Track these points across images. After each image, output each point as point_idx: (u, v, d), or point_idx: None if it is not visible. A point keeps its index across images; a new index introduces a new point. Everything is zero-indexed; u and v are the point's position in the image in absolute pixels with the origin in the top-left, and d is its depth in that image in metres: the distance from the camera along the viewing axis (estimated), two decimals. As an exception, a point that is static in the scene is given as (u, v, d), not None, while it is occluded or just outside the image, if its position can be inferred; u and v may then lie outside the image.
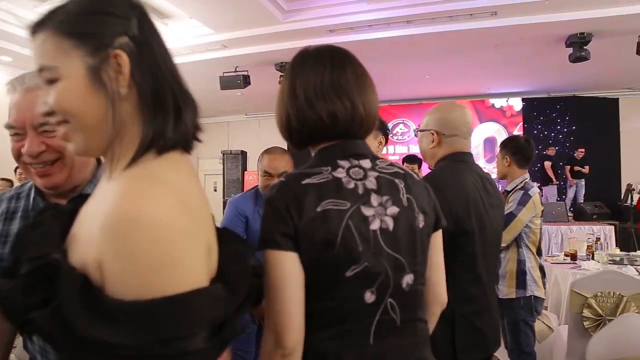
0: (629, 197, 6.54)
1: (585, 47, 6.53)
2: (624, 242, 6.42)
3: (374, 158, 0.96)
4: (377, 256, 0.87)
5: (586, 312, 2.02)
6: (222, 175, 9.24)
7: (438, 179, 1.53)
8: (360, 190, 0.89)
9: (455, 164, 1.61)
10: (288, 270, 0.85)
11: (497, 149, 2.85)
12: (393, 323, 0.88)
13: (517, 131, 10.36)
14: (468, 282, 1.48)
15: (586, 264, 2.86)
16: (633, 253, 3.62)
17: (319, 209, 0.86)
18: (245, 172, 9.03)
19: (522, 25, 6.29)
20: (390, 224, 0.89)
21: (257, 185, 2.28)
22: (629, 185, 6.77)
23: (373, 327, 0.87)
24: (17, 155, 1.00)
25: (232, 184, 8.89)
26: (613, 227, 6.35)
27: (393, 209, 0.90)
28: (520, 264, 2.47)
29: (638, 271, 2.56)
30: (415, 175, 0.98)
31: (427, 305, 1.00)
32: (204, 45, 7.31)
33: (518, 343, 2.40)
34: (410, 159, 4.40)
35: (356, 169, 0.92)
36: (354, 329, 0.87)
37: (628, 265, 2.90)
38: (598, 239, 3.37)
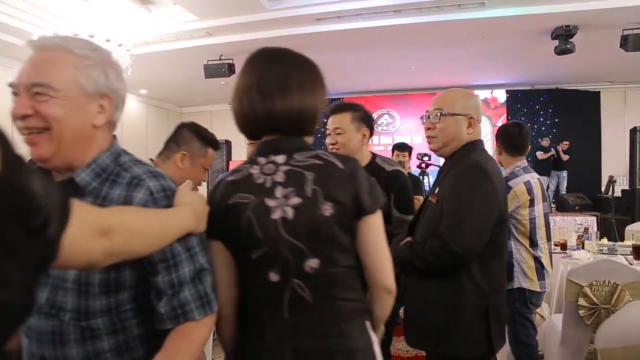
0: (611, 189, 6.65)
1: (570, 40, 6.58)
2: (605, 233, 6.52)
3: (295, 151, 1.05)
4: (277, 242, 1.00)
5: (581, 301, 2.03)
6: (205, 166, 9.12)
7: (486, 167, 1.53)
8: (268, 184, 1.02)
9: (485, 152, 1.63)
10: (215, 253, 1.06)
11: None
12: (304, 300, 1.00)
13: (501, 123, 10.45)
14: (499, 273, 1.56)
15: (577, 253, 2.88)
16: (620, 243, 3.68)
17: (230, 202, 1.04)
18: (230, 161, 8.95)
19: (509, 16, 6.30)
20: (290, 213, 0.99)
21: None
22: (611, 177, 6.89)
23: (285, 302, 1.01)
24: (13, 120, 0.95)
25: (216, 173, 8.80)
26: (595, 218, 6.46)
27: (295, 200, 1.00)
28: (508, 256, 2.34)
29: (628, 260, 2.58)
30: (338, 166, 1.03)
31: (370, 288, 1.08)
32: (187, 33, 7.14)
33: (516, 335, 2.39)
34: (401, 147, 4.34)
35: (270, 165, 1.04)
36: (269, 303, 1.02)
37: (618, 255, 2.93)
38: (587, 229, 3.40)
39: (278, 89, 1.04)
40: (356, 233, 1.04)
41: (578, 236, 3.13)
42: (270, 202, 1.01)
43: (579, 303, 2.03)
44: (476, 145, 1.62)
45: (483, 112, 7.07)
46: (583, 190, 9.17)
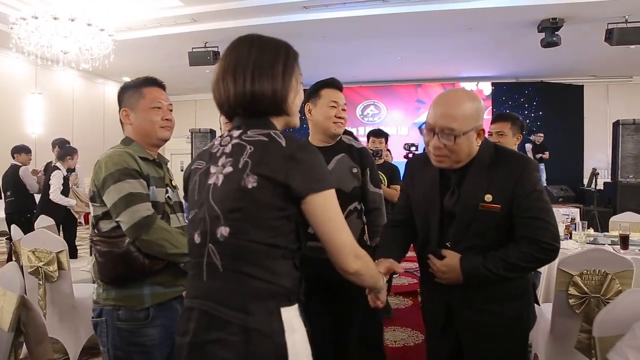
0: (593, 181, 6.73)
1: (556, 33, 6.63)
2: (588, 224, 6.61)
3: (252, 128, 1.09)
4: (203, 205, 1.08)
5: (572, 290, 2.03)
6: (190, 155, 8.99)
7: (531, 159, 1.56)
8: (218, 154, 1.10)
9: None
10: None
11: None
12: (216, 267, 1.04)
13: (486, 115, 10.52)
14: None
15: (565, 243, 2.90)
16: (607, 233, 3.71)
17: (192, 166, 1.18)
18: (214, 152, 8.82)
19: (497, 7, 6.31)
20: (220, 180, 1.06)
21: None
22: (594, 169, 6.96)
23: (204, 266, 1.06)
24: None
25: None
26: (578, 209, 6.53)
27: (228, 169, 1.05)
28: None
29: (615, 250, 2.60)
30: (281, 144, 1.04)
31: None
32: (172, 19, 7.01)
33: None
34: (377, 133, 4.17)
35: (227, 137, 1.12)
36: (194, 264, 1.10)
37: (606, 245, 2.96)
38: (573, 220, 3.42)
39: (233, 73, 1.09)
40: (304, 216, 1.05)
41: (566, 226, 3.15)
42: (212, 169, 1.09)
43: (569, 292, 2.03)
44: (490, 143, 1.51)
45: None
46: (566, 182, 9.29)
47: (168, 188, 1.64)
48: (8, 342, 1.81)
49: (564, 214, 3.69)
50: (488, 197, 1.41)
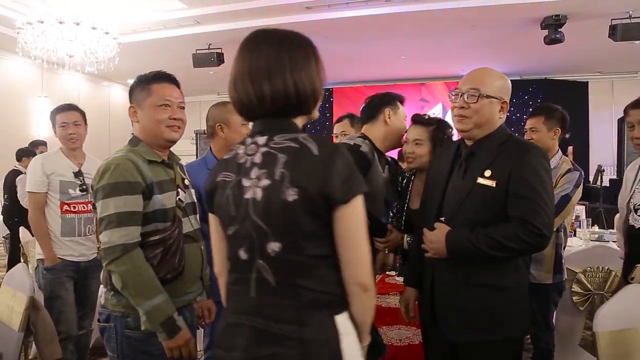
0: (599, 178, 6.71)
1: (559, 30, 6.60)
2: (594, 221, 6.59)
3: (277, 133, 1.05)
4: (245, 221, 1.04)
5: (575, 287, 2.03)
6: (195, 156, 9.04)
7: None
8: (248, 164, 1.06)
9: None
10: (211, 225, 1.17)
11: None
12: (268, 282, 1.02)
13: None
14: None
15: (570, 241, 2.90)
16: (612, 230, 3.71)
17: (217, 179, 1.11)
18: (219, 152, 8.85)
19: (499, 5, 6.29)
20: (259, 194, 1.01)
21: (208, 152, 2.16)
22: (599, 166, 6.95)
23: (252, 282, 1.04)
24: None
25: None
26: (584, 207, 6.51)
27: (265, 182, 1.02)
28: (558, 247, 2.20)
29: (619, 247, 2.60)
30: (312, 151, 1.00)
31: (345, 285, 1.04)
32: (176, 21, 7.04)
33: (547, 323, 2.28)
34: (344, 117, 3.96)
35: (252, 145, 1.07)
36: (240, 279, 1.07)
37: (610, 242, 2.96)
38: (578, 217, 3.42)
39: (267, 73, 1.04)
40: (333, 223, 1.01)
41: (571, 224, 3.16)
42: (245, 182, 1.05)
43: (572, 289, 2.04)
44: (507, 130, 1.58)
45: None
46: (571, 180, 9.23)
47: (179, 189, 1.56)
48: (18, 341, 1.85)
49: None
50: (487, 172, 1.45)
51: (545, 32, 6.71)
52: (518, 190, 1.41)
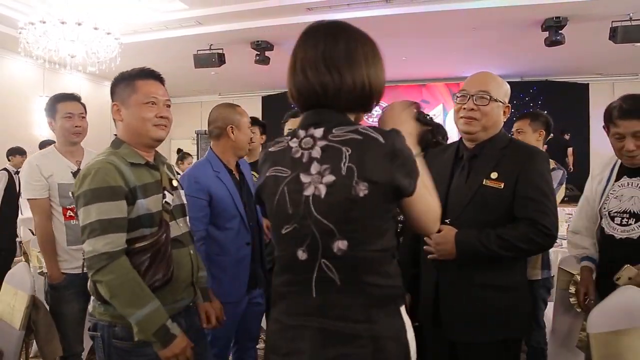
0: (599, 180, 6.73)
1: (560, 31, 6.61)
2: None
3: (335, 126, 1.00)
4: (306, 219, 0.98)
5: (572, 289, 2.04)
6: (196, 156, 9.06)
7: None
8: (305, 159, 1.00)
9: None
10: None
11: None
12: (333, 282, 0.98)
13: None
14: None
15: (562, 242, 2.91)
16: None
17: (268, 174, 1.06)
18: (220, 153, 8.86)
19: (500, 7, 6.30)
20: (323, 191, 0.97)
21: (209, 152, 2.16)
22: (599, 168, 6.95)
23: (313, 282, 0.99)
24: None
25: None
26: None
27: (329, 177, 0.96)
28: None
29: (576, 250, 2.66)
30: (379, 140, 0.96)
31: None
32: (177, 22, 7.06)
33: (537, 322, 2.40)
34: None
35: (308, 138, 1.01)
36: (297, 280, 1.02)
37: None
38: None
39: (347, 63, 1.01)
40: (399, 207, 1.03)
41: (568, 226, 3.16)
42: (304, 178, 0.99)
43: (570, 291, 2.05)
44: (507, 133, 1.64)
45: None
46: (571, 181, 9.25)
47: (166, 192, 1.49)
48: (19, 339, 1.87)
49: (567, 214, 3.69)
50: (494, 174, 1.49)
51: (546, 34, 6.72)
52: (527, 193, 1.45)
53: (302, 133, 1.04)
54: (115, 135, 1.54)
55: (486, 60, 9.31)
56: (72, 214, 2.21)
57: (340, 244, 0.97)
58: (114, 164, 1.38)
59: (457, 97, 1.60)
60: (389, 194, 0.97)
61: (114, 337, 1.38)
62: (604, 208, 1.76)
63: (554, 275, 2.40)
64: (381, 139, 0.97)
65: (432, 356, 1.68)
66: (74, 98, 2.37)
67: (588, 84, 10.30)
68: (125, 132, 1.50)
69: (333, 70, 1.00)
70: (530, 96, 10.50)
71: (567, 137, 9.15)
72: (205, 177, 2.01)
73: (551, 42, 6.70)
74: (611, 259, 1.68)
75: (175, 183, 1.58)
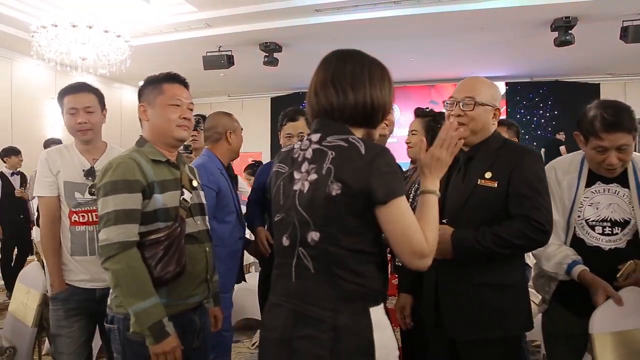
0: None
1: (570, 31, 6.57)
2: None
3: (331, 134, 1.13)
4: (290, 210, 1.13)
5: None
6: (205, 158, 9.10)
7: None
8: (300, 159, 1.15)
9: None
10: None
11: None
12: (307, 269, 1.10)
13: (501, 115, 10.43)
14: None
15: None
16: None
17: (274, 169, 1.24)
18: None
19: (509, 8, 6.28)
20: (306, 187, 1.10)
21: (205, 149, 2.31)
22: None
23: (293, 267, 1.12)
24: None
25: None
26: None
27: (313, 176, 1.10)
28: None
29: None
30: (360, 151, 1.06)
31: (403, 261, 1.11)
32: (186, 24, 7.12)
33: None
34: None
35: (306, 141, 1.17)
36: (282, 265, 1.16)
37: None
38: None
39: (352, 83, 1.14)
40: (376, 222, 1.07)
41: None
42: (296, 175, 1.14)
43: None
44: (501, 135, 1.66)
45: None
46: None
47: (184, 190, 1.55)
48: (32, 336, 1.90)
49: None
50: (488, 174, 1.52)
51: (555, 34, 6.68)
52: (520, 190, 1.47)
53: (305, 137, 1.19)
54: (141, 136, 1.62)
55: (495, 61, 9.28)
56: (78, 218, 1.92)
57: (314, 235, 1.09)
58: (135, 159, 1.47)
59: (447, 103, 1.65)
60: (359, 198, 1.05)
61: (128, 329, 1.42)
62: (578, 217, 1.64)
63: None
64: (363, 150, 1.07)
65: (433, 355, 1.70)
66: (79, 89, 2.01)
67: (599, 84, 10.19)
68: (150, 131, 1.58)
69: (339, 89, 1.14)
70: (540, 97, 10.42)
71: (559, 136, 9.11)
72: (215, 170, 2.12)
73: (560, 43, 6.66)
74: (600, 272, 1.56)
75: (195, 183, 1.65)
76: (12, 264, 5.13)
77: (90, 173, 1.95)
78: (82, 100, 1.98)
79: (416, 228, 1.06)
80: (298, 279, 1.12)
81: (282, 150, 1.28)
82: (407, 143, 2.29)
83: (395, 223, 1.05)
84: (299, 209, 1.11)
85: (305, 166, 1.13)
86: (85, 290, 1.90)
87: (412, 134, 2.26)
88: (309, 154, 1.14)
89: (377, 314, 1.09)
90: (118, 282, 1.38)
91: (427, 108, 2.29)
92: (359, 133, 1.16)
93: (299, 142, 1.20)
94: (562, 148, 8.85)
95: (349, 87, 1.14)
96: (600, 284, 1.51)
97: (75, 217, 1.92)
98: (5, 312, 3.24)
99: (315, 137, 1.15)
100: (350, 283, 1.07)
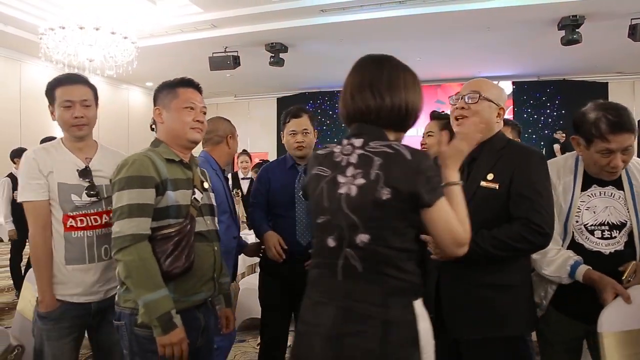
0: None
1: (577, 30, 6.53)
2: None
3: (373, 139, 1.18)
4: (337, 213, 1.16)
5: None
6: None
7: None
8: (343, 163, 1.19)
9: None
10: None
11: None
12: (355, 269, 1.14)
13: (507, 114, 10.38)
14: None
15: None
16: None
17: (313, 172, 1.27)
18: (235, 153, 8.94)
19: (515, 7, 6.26)
20: (354, 191, 1.14)
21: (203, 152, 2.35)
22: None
23: (339, 267, 1.15)
24: None
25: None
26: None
27: (360, 180, 1.14)
28: None
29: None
30: (405, 156, 1.12)
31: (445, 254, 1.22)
32: (192, 25, 7.16)
33: None
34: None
35: (348, 146, 1.20)
36: (325, 265, 1.19)
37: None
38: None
39: (388, 88, 1.18)
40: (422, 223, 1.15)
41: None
42: (340, 179, 1.18)
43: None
44: (505, 135, 1.65)
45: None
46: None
47: (196, 189, 1.60)
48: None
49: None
50: (490, 176, 1.51)
51: (562, 32, 6.65)
52: (520, 191, 1.47)
53: (345, 142, 1.22)
54: (156, 138, 1.67)
55: (501, 60, 9.24)
56: (75, 223, 1.74)
57: (363, 237, 1.13)
58: (150, 157, 1.52)
59: (453, 98, 1.66)
60: (408, 201, 1.11)
61: (135, 324, 1.45)
62: (576, 222, 1.60)
63: None
64: (409, 155, 1.12)
65: (435, 354, 1.69)
66: (75, 80, 1.86)
67: (607, 82, 10.14)
68: (165, 133, 1.63)
69: (376, 93, 1.18)
70: (547, 96, 10.38)
71: (557, 135, 9.08)
72: (210, 171, 2.17)
73: (567, 41, 6.62)
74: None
75: (206, 185, 1.71)
76: (22, 263, 5.19)
77: (85, 173, 1.78)
78: (79, 92, 1.82)
79: (456, 221, 1.15)
80: (344, 278, 1.16)
81: (318, 152, 1.29)
82: (423, 145, 2.31)
83: (439, 221, 1.13)
84: (346, 212, 1.15)
85: (350, 170, 1.17)
86: (79, 305, 1.74)
87: (429, 136, 2.29)
88: (353, 158, 1.17)
89: (419, 306, 1.16)
90: (129, 273, 1.42)
91: (442, 111, 2.32)
92: (390, 136, 1.21)
93: (339, 146, 1.23)
94: (556, 146, 8.82)
95: (386, 91, 1.18)
96: (609, 281, 1.48)
97: (71, 222, 1.74)
98: (13, 312, 3.27)
99: (358, 142, 1.19)
100: (396, 279, 1.13)
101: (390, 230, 1.13)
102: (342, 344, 1.12)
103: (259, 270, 2.59)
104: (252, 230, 2.46)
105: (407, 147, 1.15)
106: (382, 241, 1.13)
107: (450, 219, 1.15)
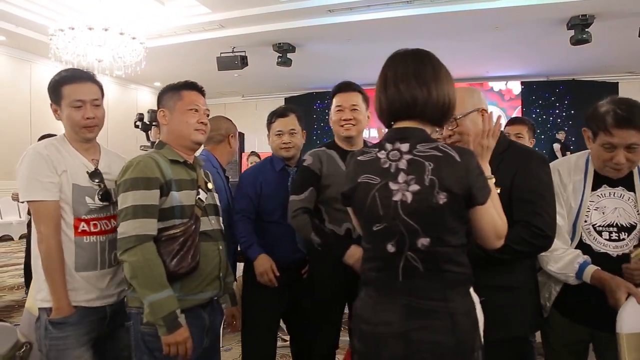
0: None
1: (586, 30, 6.48)
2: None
3: (419, 142, 1.18)
4: (395, 220, 1.17)
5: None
6: (219, 158, 9.15)
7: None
8: (393, 169, 1.18)
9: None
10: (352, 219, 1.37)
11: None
12: (417, 269, 1.17)
13: (516, 115, 10.33)
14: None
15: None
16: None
17: (360, 180, 1.24)
18: (242, 153, 8.97)
19: (523, 6, 6.22)
20: (409, 197, 1.15)
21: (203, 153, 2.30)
22: (629, 169, 6.77)
23: (400, 269, 1.18)
24: None
25: (230, 165, 8.79)
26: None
27: (414, 187, 1.15)
28: None
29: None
30: (455, 158, 1.14)
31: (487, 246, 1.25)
32: (200, 25, 7.19)
33: None
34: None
35: (395, 152, 1.19)
36: (385, 268, 1.21)
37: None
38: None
39: (434, 80, 1.20)
40: (469, 216, 1.19)
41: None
42: (393, 186, 1.18)
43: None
44: (506, 137, 1.62)
45: (496, 104, 6.96)
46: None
47: (200, 190, 1.62)
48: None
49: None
50: (492, 180, 1.48)
51: (572, 32, 6.60)
52: (521, 194, 1.46)
53: (389, 146, 1.21)
54: (159, 140, 1.70)
55: (510, 60, 9.20)
56: (88, 227, 1.62)
57: (424, 241, 1.15)
58: (154, 158, 1.55)
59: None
60: (462, 202, 1.15)
61: (141, 323, 1.47)
62: (585, 222, 1.58)
63: None
64: (457, 157, 1.14)
65: None
66: (85, 78, 1.72)
67: (618, 82, 10.04)
68: (169, 134, 1.66)
69: (423, 85, 1.18)
70: (557, 95, 10.30)
71: (558, 135, 9.04)
72: (211, 169, 2.16)
73: (577, 41, 6.57)
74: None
75: (210, 186, 1.73)
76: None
77: (96, 175, 1.67)
78: (89, 91, 1.69)
79: (497, 216, 1.20)
80: (406, 279, 1.19)
81: (360, 159, 1.27)
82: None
83: (487, 216, 1.18)
84: (404, 218, 1.16)
85: (402, 177, 1.17)
86: (95, 310, 1.62)
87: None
88: (402, 164, 1.18)
89: (472, 292, 1.21)
90: (135, 274, 1.43)
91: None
92: (428, 130, 1.22)
93: (383, 151, 1.22)
94: (556, 146, 8.77)
95: (432, 82, 1.19)
96: (621, 281, 1.45)
97: (83, 226, 1.62)
98: (22, 309, 3.30)
99: (405, 146, 1.19)
100: (455, 273, 1.18)
101: (449, 231, 1.16)
102: (410, 339, 1.16)
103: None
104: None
105: (454, 147, 1.18)
106: (441, 242, 1.16)
107: (495, 214, 1.20)
